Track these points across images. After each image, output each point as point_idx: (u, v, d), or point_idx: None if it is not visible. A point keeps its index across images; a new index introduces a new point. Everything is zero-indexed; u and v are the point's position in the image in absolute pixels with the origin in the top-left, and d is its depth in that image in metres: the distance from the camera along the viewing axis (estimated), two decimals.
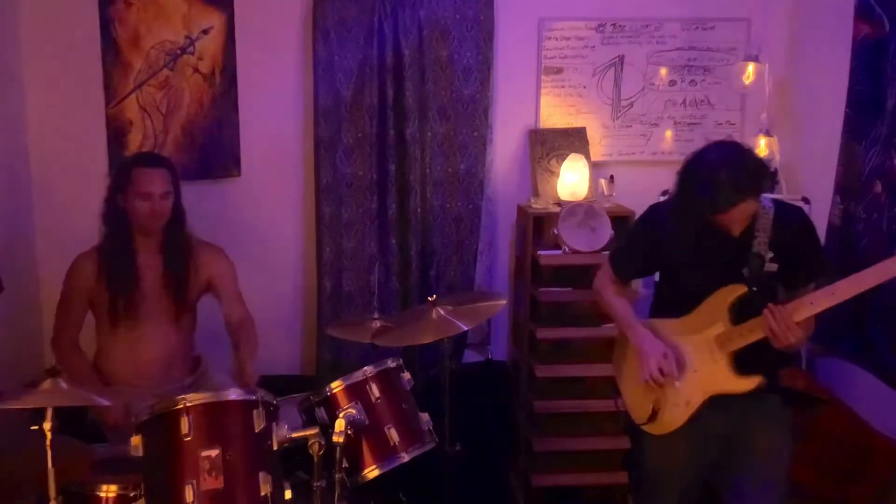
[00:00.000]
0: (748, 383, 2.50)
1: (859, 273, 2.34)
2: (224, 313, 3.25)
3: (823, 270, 2.58)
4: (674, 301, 2.66)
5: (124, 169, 3.15)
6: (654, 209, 2.73)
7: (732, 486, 2.65)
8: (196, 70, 3.80)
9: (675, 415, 2.57)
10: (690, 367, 2.57)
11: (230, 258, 3.30)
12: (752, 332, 2.46)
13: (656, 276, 2.94)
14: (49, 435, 2.24)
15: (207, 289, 3.26)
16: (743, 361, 2.51)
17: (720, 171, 2.34)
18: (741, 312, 2.50)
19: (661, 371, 2.53)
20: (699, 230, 2.49)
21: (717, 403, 2.56)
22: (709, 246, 2.51)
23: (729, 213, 2.37)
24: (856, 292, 2.33)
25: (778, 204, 2.57)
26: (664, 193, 3.51)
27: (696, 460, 2.67)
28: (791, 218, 2.55)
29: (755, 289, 2.48)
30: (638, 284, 3.75)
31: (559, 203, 3.78)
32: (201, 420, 2.25)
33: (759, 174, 2.39)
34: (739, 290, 2.49)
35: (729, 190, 2.33)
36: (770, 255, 2.47)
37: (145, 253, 3.14)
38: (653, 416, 2.61)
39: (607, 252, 3.16)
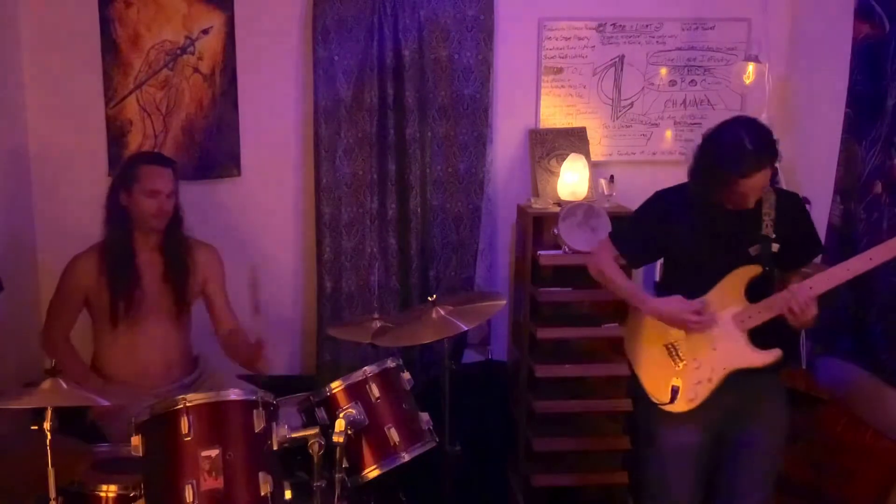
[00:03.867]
0: (768, 357, 2.59)
1: (874, 248, 2.44)
2: (214, 320, 3.28)
3: (820, 251, 2.74)
4: (681, 285, 2.69)
5: (131, 166, 3.16)
6: (660, 194, 2.80)
7: (730, 453, 2.72)
8: (196, 70, 3.80)
9: (698, 391, 2.64)
10: (710, 345, 2.64)
11: (222, 258, 3.32)
12: (769, 310, 2.56)
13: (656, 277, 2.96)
14: (49, 435, 2.24)
15: (203, 288, 3.26)
16: (760, 337, 2.60)
17: (745, 138, 2.46)
18: (754, 292, 2.60)
19: (696, 314, 2.61)
20: (710, 209, 2.59)
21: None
22: (718, 227, 2.62)
23: (751, 178, 2.47)
24: (868, 267, 2.44)
25: (777, 189, 2.70)
26: None
27: (704, 452, 2.72)
28: (791, 202, 2.69)
29: (767, 268, 2.58)
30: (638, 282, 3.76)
31: (559, 203, 3.78)
32: (201, 420, 2.26)
33: (775, 146, 2.52)
34: (755, 270, 2.60)
35: (754, 155, 2.45)
36: (773, 236, 2.58)
37: (145, 252, 3.15)
38: (674, 397, 2.67)
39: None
